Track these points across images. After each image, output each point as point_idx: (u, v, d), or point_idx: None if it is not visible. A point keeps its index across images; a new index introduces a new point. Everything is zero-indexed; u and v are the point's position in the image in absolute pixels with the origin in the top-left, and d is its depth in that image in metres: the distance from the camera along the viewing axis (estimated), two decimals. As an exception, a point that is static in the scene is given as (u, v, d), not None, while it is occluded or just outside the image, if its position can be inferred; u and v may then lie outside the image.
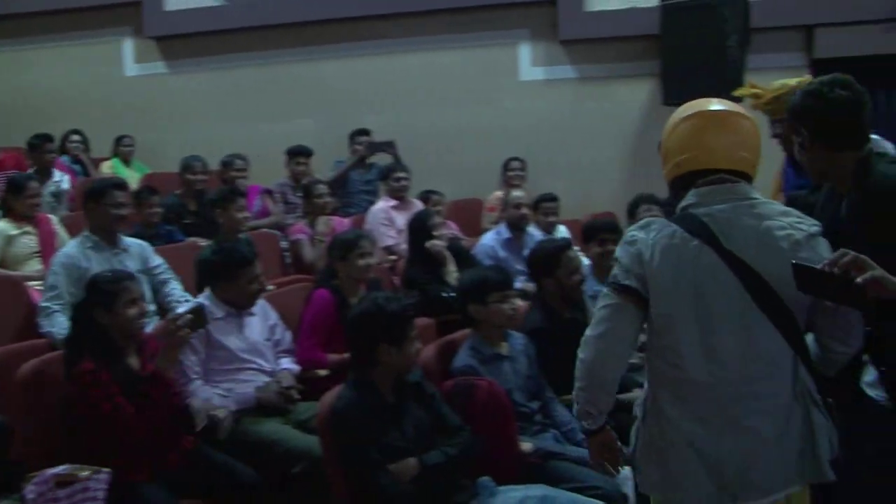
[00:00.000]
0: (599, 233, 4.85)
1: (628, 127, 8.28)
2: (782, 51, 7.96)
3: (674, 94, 7.37)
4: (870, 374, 2.48)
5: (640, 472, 2.39)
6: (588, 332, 2.34)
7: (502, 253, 5.87)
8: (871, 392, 2.47)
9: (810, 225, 2.25)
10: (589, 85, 8.31)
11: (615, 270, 2.32)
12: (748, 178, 2.33)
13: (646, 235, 2.29)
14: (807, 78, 3.70)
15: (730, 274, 2.19)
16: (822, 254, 2.16)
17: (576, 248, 4.44)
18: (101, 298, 3.36)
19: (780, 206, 2.33)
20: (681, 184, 2.37)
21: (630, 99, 8.26)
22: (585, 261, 4.68)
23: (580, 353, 2.35)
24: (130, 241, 4.74)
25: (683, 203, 2.33)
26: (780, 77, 7.87)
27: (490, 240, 6.06)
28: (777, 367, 2.22)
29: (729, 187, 2.29)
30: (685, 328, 2.23)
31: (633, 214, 5.29)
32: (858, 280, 1.99)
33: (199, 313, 3.44)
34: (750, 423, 2.21)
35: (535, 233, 6.11)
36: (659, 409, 2.31)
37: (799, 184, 3.39)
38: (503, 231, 6.09)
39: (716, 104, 2.40)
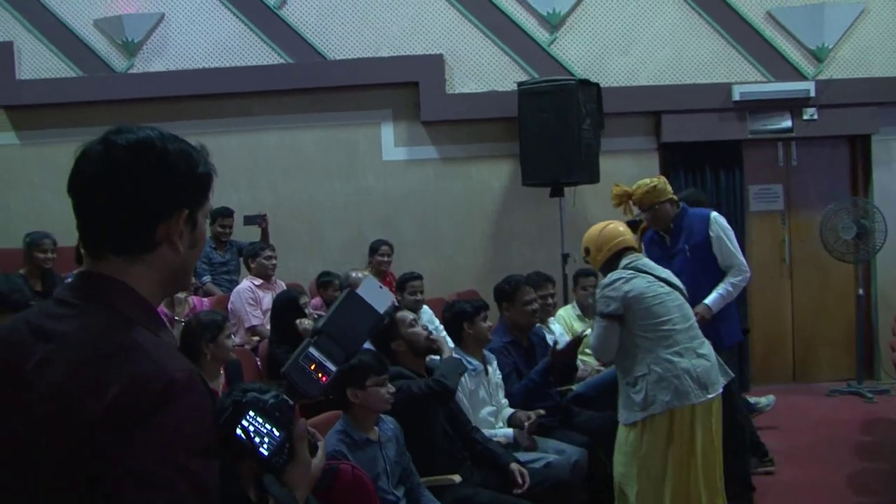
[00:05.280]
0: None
1: (489, 206, 8.50)
2: (633, 135, 8.41)
3: (532, 175, 7.63)
4: None
5: (653, 402, 4.00)
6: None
7: None
8: None
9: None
10: (450, 165, 8.49)
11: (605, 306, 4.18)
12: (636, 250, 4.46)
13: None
14: (661, 178, 5.34)
15: (665, 286, 4.20)
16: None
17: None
18: None
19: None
20: (611, 260, 4.30)
21: (490, 179, 8.49)
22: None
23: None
24: None
25: (624, 264, 4.25)
26: (632, 159, 8.42)
27: None
28: (695, 322, 4.28)
29: (637, 254, 4.39)
30: (669, 311, 4.12)
31: (511, 297, 5.28)
32: None
33: None
34: (701, 350, 4.13)
35: None
36: (662, 360, 4.03)
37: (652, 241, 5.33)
38: None
39: (612, 221, 4.50)
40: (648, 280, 4.18)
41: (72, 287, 1.46)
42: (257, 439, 1.51)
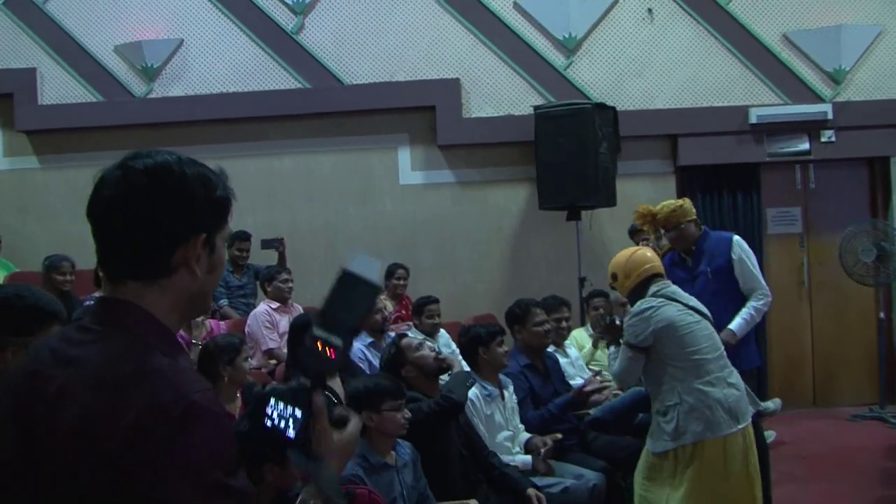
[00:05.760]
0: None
1: (506, 230, 8.49)
2: (650, 158, 8.40)
3: (549, 199, 7.62)
4: None
5: (684, 432, 3.95)
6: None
7: (370, 355, 5.85)
8: None
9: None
10: (467, 189, 8.51)
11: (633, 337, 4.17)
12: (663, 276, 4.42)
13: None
14: (686, 199, 5.46)
15: (694, 315, 4.14)
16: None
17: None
18: None
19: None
20: (640, 286, 4.26)
21: (507, 203, 8.50)
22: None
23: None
24: None
25: (653, 291, 4.21)
26: (649, 182, 8.40)
27: (357, 345, 6.03)
28: (724, 351, 4.19)
29: (666, 282, 4.34)
30: (698, 340, 4.07)
31: (522, 320, 5.28)
32: None
33: None
34: (731, 380, 4.09)
35: (393, 336, 6.18)
36: (694, 390, 3.98)
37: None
38: (364, 336, 6.09)
39: (640, 247, 4.75)
40: (678, 308, 4.15)
41: (91, 312, 1.47)
42: (282, 424, 1.57)
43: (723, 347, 4.21)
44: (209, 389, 1.38)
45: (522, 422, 4.85)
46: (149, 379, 1.33)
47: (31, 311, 2.10)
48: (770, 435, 6.58)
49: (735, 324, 5.02)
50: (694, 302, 4.28)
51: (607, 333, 4.56)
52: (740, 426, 4.01)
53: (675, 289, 4.32)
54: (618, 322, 4.53)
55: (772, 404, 7.06)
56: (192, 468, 1.28)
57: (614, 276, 4.39)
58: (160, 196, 1.40)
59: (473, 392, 4.44)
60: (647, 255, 4.39)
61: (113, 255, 1.44)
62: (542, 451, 4.54)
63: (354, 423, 1.72)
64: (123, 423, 1.28)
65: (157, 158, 1.43)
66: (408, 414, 3.71)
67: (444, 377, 4.44)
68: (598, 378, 5.10)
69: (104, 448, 1.28)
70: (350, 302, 1.69)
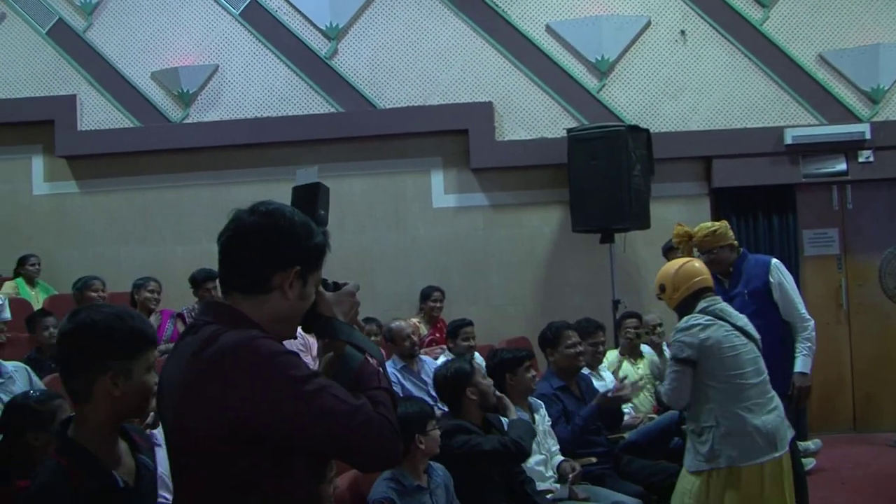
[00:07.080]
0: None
1: (539, 253, 8.46)
2: (684, 180, 8.35)
3: (582, 222, 7.59)
4: None
5: (718, 456, 3.89)
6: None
7: (402, 379, 5.88)
8: None
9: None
10: (500, 212, 8.50)
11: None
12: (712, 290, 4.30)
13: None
14: (723, 222, 5.37)
15: (742, 337, 4.06)
16: None
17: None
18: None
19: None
20: (688, 300, 4.17)
21: (540, 225, 8.47)
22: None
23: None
24: (12, 366, 4.55)
25: (702, 307, 4.11)
26: (683, 204, 8.33)
27: (389, 369, 6.07)
28: (767, 376, 4.06)
29: (715, 297, 4.22)
30: (743, 364, 3.98)
31: (554, 343, 5.25)
32: None
33: None
34: (771, 406, 4.00)
35: (425, 359, 6.27)
36: (731, 414, 3.91)
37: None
38: (396, 360, 6.11)
39: (690, 259, 4.49)
40: (727, 329, 4.05)
41: (198, 312, 1.99)
42: None
43: (766, 373, 4.09)
44: (266, 337, 1.78)
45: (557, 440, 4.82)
46: (219, 340, 1.74)
47: (134, 334, 2.10)
48: (809, 462, 6.47)
49: (800, 364, 5.00)
50: (743, 322, 4.16)
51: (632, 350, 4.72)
52: (777, 453, 3.93)
53: (724, 306, 4.21)
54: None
55: (812, 445, 6.94)
56: (275, 398, 1.71)
57: (662, 288, 4.28)
58: (271, 229, 1.84)
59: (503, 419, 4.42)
60: (696, 266, 4.28)
61: (228, 270, 1.87)
62: (570, 476, 4.49)
63: (350, 285, 2.06)
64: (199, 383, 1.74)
65: (277, 205, 1.89)
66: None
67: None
68: (626, 383, 5.08)
69: (193, 410, 1.73)
70: (308, 202, 2.06)
